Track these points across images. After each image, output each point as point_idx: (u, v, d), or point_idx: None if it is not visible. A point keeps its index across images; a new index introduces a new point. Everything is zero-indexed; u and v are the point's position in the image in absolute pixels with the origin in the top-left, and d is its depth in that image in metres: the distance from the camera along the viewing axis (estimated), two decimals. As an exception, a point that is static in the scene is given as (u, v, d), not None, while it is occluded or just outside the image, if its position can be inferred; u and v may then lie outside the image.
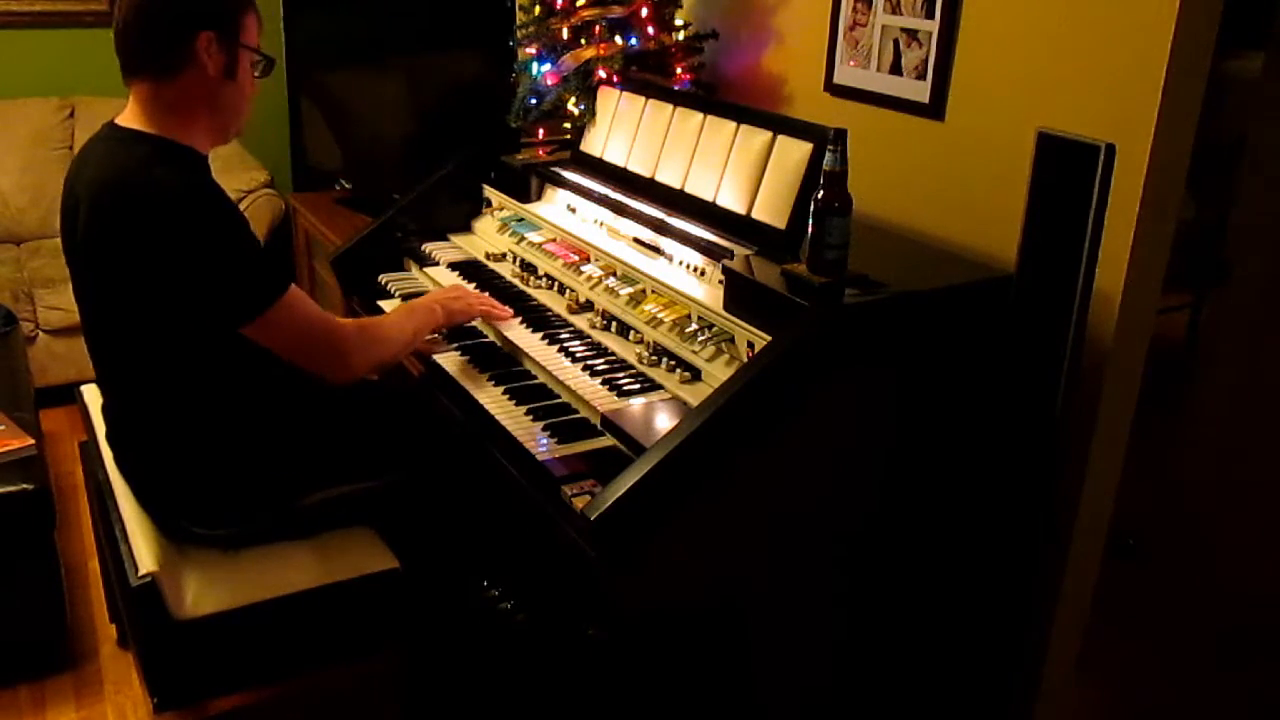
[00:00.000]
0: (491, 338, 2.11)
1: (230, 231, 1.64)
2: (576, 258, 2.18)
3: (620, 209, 2.17)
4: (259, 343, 1.69)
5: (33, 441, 2.39)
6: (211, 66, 1.69)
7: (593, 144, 2.41)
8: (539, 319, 2.08)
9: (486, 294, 2.17)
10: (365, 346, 1.82)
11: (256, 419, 1.82)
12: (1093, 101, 1.73)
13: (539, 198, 2.48)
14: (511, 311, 2.08)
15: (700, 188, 2.05)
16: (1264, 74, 2.70)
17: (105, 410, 1.95)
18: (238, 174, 3.95)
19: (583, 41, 2.38)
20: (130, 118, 1.71)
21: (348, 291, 2.51)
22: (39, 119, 4.06)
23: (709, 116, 2.06)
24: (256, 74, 1.79)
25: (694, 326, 1.83)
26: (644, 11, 2.34)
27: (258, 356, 1.71)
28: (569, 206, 2.38)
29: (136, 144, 1.68)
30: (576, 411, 1.81)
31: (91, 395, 2.16)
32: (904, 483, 1.75)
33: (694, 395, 1.72)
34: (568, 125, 2.47)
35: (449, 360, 2.02)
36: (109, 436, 1.93)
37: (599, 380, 1.82)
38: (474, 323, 2.15)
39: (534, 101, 2.42)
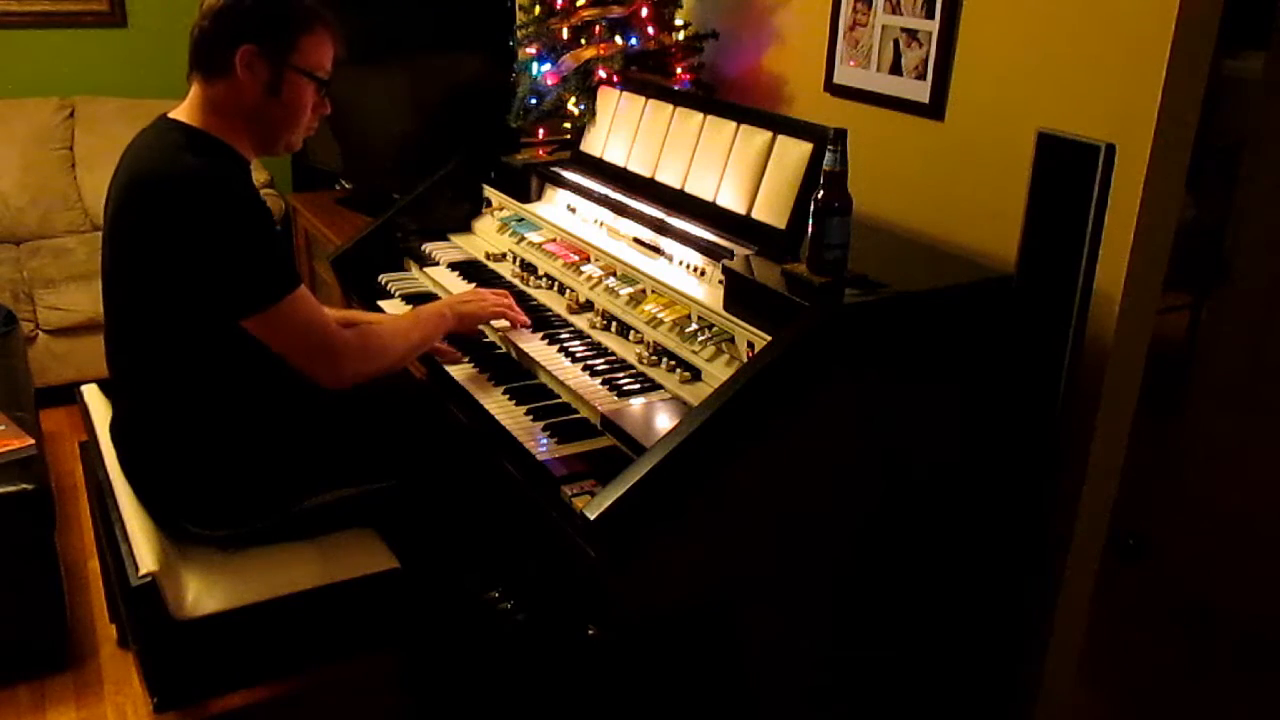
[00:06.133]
0: (492, 339, 2.11)
1: (249, 223, 1.66)
2: (576, 258, 2.18)
3: (620, 209, 2.17)
4: (258, 337, 1.69)
5: (33, 441, 2.39)
6: (251, 80, 1.71)
7: (593, 144, 2.41)
8: (539, 319, 2.08)
9: (507, 293, 2.09)
10: (361, 358, 1.81)
11: (260, 421, 1.82)
12: (1093, 101, 1.72)
13: (539, 198, 2.48)
14: (530, 321, 2.04)
15: (700, 188, 2.05)
16: (1264, 74, 2.70)
17: (113, 410, 1.95)
18: (238, 174, 3.94)
19: (583, 41, 2.38)
20: (181, 111, 1.76)
21: (348, 292, 2.51)
22: (39, 119, 4.06)
23: (709, 116, 2.06)
24: (319, 96, 1.80)
25: (694, 326, 1.83)
26: (644, 11, 2.35)
27: (262, 358, 1.72)
28: (569, 206, 2.38)
29: (175, 133, 1.72)
30: (576, 411, 1.81)
31: (91, 395, 2.16)
32: (904, 482, 1.75)
33: (694, 395, 1.72)
34: (568, 125, 2.48)
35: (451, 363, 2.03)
36: (114, 436, 1.93)
37: (599, 380, 1.82)
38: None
39: (534, 101, 2.43)
